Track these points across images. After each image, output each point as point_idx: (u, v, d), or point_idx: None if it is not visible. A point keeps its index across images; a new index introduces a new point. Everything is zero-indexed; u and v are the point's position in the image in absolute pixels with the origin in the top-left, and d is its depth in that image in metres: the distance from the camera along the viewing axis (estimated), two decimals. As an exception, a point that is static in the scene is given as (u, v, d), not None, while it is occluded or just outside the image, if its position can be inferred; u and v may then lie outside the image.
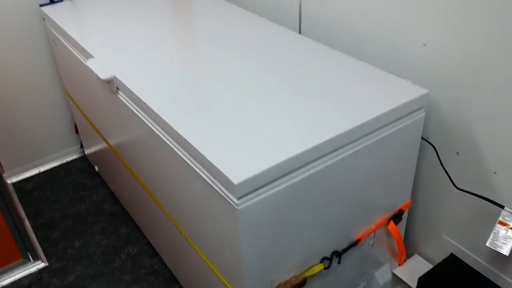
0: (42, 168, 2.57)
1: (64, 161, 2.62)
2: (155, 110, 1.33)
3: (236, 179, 1.05)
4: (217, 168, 1.09)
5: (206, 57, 1.61)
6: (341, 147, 1.22)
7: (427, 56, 1.42)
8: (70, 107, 2.47)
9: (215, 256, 1.34)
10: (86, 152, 2.57)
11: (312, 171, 1.17)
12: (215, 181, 1.13)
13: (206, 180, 1.16)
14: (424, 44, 1.42)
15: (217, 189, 1.12)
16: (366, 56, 1.62)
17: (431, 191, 1.57)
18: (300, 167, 1.15)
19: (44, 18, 2.15)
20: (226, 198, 1.09)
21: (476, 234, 1.46)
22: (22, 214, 2.25)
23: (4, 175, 2.38)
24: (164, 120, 1.28)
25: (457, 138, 1.42)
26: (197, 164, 1.19)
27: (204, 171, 1.16)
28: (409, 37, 1.45)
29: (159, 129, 1.34)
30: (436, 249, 1.64)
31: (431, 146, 1.49)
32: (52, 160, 2.60)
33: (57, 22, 1.96)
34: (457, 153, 1.44)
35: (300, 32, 1.89)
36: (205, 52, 1.64)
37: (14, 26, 2.20)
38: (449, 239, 1.57)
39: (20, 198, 2.36)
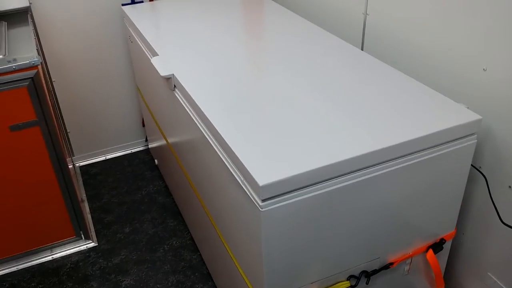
0: (109, 156, 2.74)
1: (129, 151, 2.78)
2: (200, 106, 1.38)
3: (261, 181, 1.06)
4: (246, 168, 1.11)
5: (264, 65, 1.64)
6: (380, 163, 1.19)
7: (487, 82, 1.35)
8: (139, 102, 2.63)
9: (242, 258, 1.36)
10: (149, 145, 2.71)
11: (344, 184, 1.16)
12: (245, 182, 1.15)
13: (237, 181, 1.18)
14: (484, 69, 1.35)
15: (246, 189, 1.14)
16: (424, 77, 1.56)
17: (479, 224, 1.48)
18: (332, 178, 1.14)
19: (124, 17, 2.32)
20: (252, 199, 1.11)
21: (522, 276, 1.35)
22: (83, 196, 2.42)
23: (72, 158, 2.58)
24: (207, 117, 1.33)
25: (511, 171, 1.33)
26: (232, 164, 1.22)
27: (237, 172, 1.19)
28: (470, 60, 1.39)
29: (204, 126, 1.39)
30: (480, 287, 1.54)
31: (483, 177, 1.40)
32: (118, 149, 2.77)
33: (133, 20, 2.10)
34: (510, 186, 1.34)
35: (362, 49, 1.87)
36: (264, 61, 1.67)
37: (96, 22, 2.39)
38: (494, 278, 1.46)
39: (84, 181, 2.54)
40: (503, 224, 1.34)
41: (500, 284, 1.45)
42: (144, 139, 2.81)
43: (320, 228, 1.20)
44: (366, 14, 1.79)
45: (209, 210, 1.60)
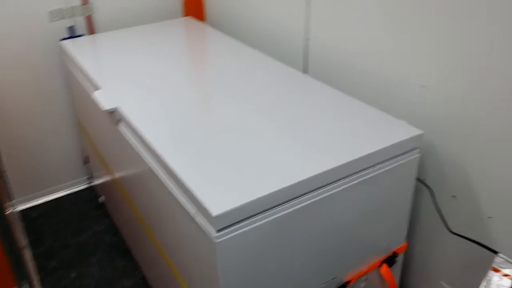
0: (50, 197, 2.60)
1: (71, 191, 2.65)
2: (146, 139, 1.34)
3: (215, 211, 1.04)
4: (198, 199, 1.09)
5: (210, 94, 1.64)
6: (329, 183, 1.21)
7: (426, 98, 1.41)
8: (81, 138, 2.53)
9: (199, 291, 1.32)
10: (95, 182, 2.60)
11: (297, 207, 1.16)
12: (199, 213, 1.12)
13: (189, 213, 1.15)
14: (422, 86, 1.41)
15: (199, 222, 1.11)
16: (366, 96, 1.62)
17: (427, 235, 1.53)
18: (284, 202, 1.14)
19: (63, 52, 2.24)
20: (205, 231, 1.08)
21: (473, 280, 1.39)
22: (24, 242, 2.27)
23: (12, 202, 2.42)
24: (155, 150, 1.30)
25: (454, 182, 1.39)
26: (183, 196, 1.19)
27: (190, 204, 1.16)
28: (408, 78, 1.45)
29: (152, 159, 1.35)
30: (435, 297, 1.57)
31: (428, 189, 1.45)
32: (59, 189, 2.63)
33: (73, 55, 2.04)
34: (454, 196, 1.40)
35: (306, 72, 1.91)
36: (210, 90, 1.67)
37: (33, 57, 2.29)
38: (447, 286, 1.50)
39: (25, 226, 2.39)
40: (450, 233, 1.39)
41: (453, 292, 1.49)
42: (87, 177, 2.70)
43: (276, 254, 1.19)
44: (307, 39, 1.84)
45: (161, 245, 1.55)
